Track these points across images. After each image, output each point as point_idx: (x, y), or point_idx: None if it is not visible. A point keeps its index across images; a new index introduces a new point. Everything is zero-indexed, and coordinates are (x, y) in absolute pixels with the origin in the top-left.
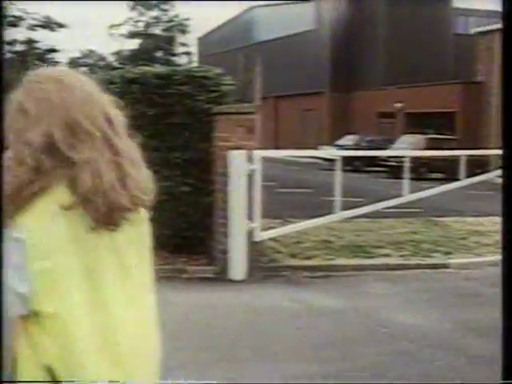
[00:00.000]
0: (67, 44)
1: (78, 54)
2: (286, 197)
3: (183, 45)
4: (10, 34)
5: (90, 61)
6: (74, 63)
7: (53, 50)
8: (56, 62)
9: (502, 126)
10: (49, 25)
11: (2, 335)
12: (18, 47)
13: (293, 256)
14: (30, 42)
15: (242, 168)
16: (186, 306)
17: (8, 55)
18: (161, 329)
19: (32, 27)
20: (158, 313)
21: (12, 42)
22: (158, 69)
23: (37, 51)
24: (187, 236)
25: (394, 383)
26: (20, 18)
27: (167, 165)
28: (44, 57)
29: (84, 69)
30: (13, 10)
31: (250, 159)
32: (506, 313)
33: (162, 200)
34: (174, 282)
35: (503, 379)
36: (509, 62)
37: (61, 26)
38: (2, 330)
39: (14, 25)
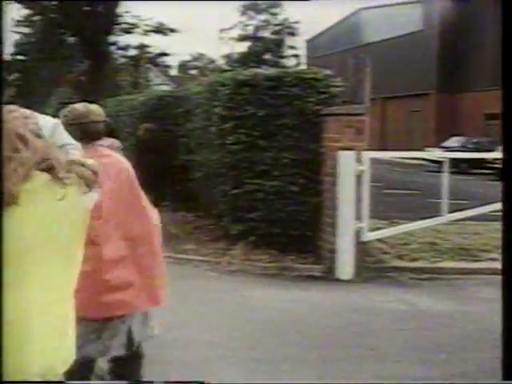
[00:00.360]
0: (178, 47)
1: (188, 58)
2: (393, 198)
3: (292, 47)
4: (124, 39)
5: (199, 64)
6: (183, 66)
7: (164, 54)
8: (167, 65)
9: (503, 128)
10: (161, 30)
11: (2, 336)
12: (131, 52)
13: (399, 257)
14: (142, 46)
15: (351, 168)
16: (292, 303)
17: (121, 60)
18: (268, 323)
19: (145, 32)
20: (264, 308)
21: (125, 48)
22: (269, 71)
23: (148, 55)
24: (295, 235)
25: None
26: (135, 25)
27: (277, 165)
28: (155, 61)
29: (194, 71)
30: (127, 17)
31: (358, 160)
32: (506, 313)
33: (271, 199)
34: (282, 279)
35: (503, 379)
36: (509, 60)
37: (172, 30)
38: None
39: (128, 31)
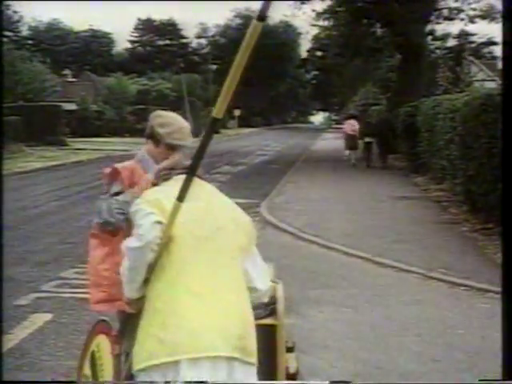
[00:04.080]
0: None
1: None
2: None
3: None
4: (442, 28)
5: None
6: None
7: (490, 43)
8: (493, 57)
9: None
10: (490, 15)
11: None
12: (450, 42)
13: None
14: (464, 35)
15: None
16: None
17: (438, 52)
18: None
19: (471, 19)
20: None
21: (443, 38)
22: None
23: (471, 46)
24: None
25: None
26: (458, 10)
27: None
28: (479, 52)
29: None
30: (449, 1)
31: None
32: (506, 314)
33: None
34: None
35: (503, 379)
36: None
37: None
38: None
39: (449, 18)
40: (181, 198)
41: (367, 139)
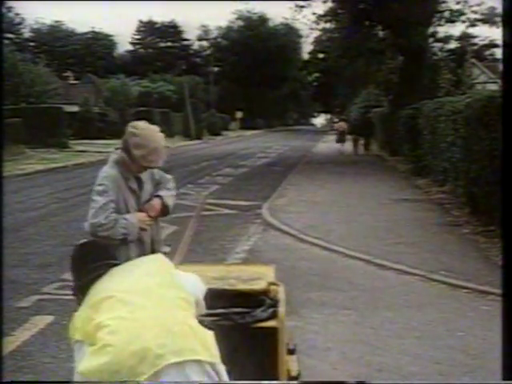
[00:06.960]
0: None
1: None
2: None
3: None
4: (444, 30)
5: None
6: None
7: (492, 46)
8: (495, 59)
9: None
10: (491, 18)
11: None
12: (452, 44)
13: None
14: (465, 37)
15: None
16: None
17: (440, 55)
18: None
19: (472, 22)
20: None
21: (445, 40)
22: None
23: (473, 48)
24: None
25: None
26: (459, 13)
27: None
28: (481, 54)
29: None
30: (451, 3)
31: None
32: (506, 313)
33: None
34: None
35: (503, 379)
36: (509, 64)
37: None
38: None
39: (450, 21)
40: None
41: (354, 136)
